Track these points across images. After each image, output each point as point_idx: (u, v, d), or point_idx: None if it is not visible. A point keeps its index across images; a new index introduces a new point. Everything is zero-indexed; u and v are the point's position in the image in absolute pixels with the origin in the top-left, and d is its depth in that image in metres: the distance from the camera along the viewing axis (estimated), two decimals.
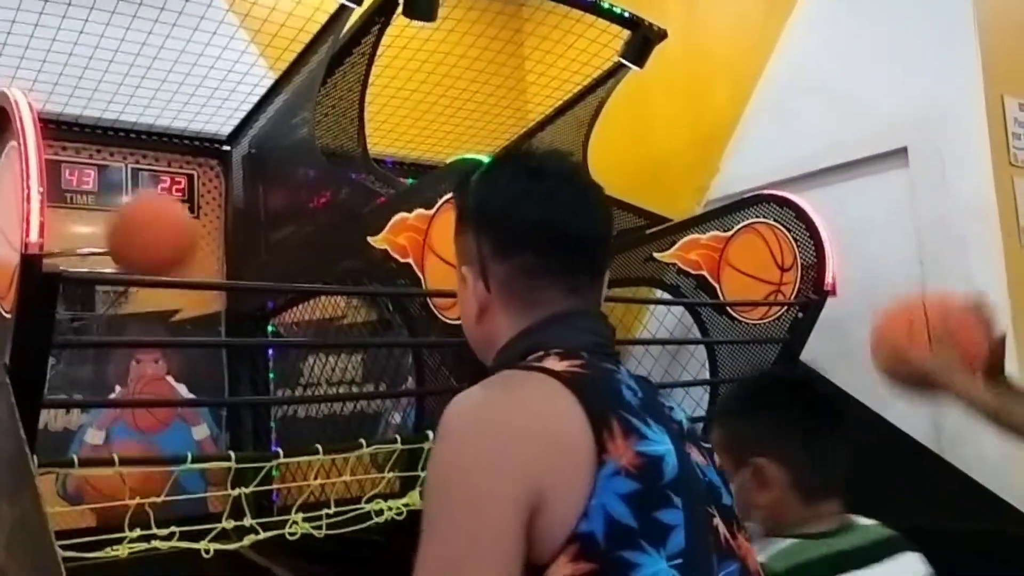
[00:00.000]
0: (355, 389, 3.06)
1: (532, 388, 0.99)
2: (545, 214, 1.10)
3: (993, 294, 2.59)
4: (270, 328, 3.06)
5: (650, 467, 0.95)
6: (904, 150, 2.85)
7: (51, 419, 2.67)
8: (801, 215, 2.65)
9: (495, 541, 0.90)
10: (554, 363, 1.02)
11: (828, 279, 2.58)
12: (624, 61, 2.92)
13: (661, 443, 0.99)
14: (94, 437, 2.78)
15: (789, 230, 2.66)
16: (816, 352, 2.68)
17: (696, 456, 1.07)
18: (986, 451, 2.41)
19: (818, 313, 2.61)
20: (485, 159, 2.05)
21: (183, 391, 2.97)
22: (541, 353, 1.06)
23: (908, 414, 2.44)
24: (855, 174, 2.98)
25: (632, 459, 0.94)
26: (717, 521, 1.02)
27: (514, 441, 0.94)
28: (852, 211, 2.88)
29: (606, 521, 0.91)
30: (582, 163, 1.14)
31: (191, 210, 3.10)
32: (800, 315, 2.61)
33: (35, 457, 1.40)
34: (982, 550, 2.12)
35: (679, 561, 0.93)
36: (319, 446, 1.83)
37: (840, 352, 2.45)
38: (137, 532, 1.59)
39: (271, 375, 3.09)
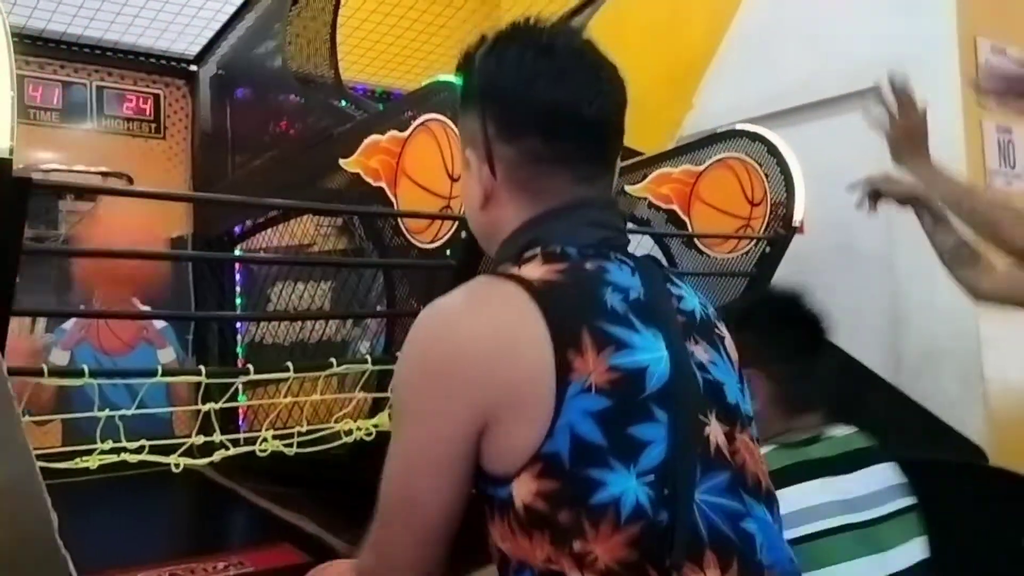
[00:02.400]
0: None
1: (499, 302, 0.98)
2: (556, 95, 1.03)
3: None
4: (237, 253, 3.03)
5: (627, 381, 0.93)
6: (876, 89, 2.85)
7: (15, 337, 2.64)
8: (773, 151, 2.66)
9: (441, 450, 0.95)
10: (533, 268, 1.00)
11: (797, 215, 2.60)
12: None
13: (649, 350, 0.96)
14: (59, 357, 2.76)
15: (760, 165, 2.67)
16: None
17: (700, 353, 1.04)
18: (945, 385, 2.47)
19: (785, 249, 2.64)
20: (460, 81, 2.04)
21: None
22: (535, 251, 1.03)
23: (869, 345, 2.49)
24: (827, 113, 2.99)
25: (604, 374, 0.92)
26: (710, 429, 0.99)
27: (465, 360, 0.94)
28: (823, 150, 2.89)
29: (572, 440, 0.90)
30: (595, 41, 1.08)
31: (157, 131, 3.05)
32: (768, 250, 2.64)
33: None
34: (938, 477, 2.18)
35: (651, 477, 0.91)
36: (290, 364, 1.83)
37: (805, 288, 2.48)
38: (109, 444, 1.59)
39: (238, 301, 3.07)
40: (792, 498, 1.37)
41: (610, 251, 1.05)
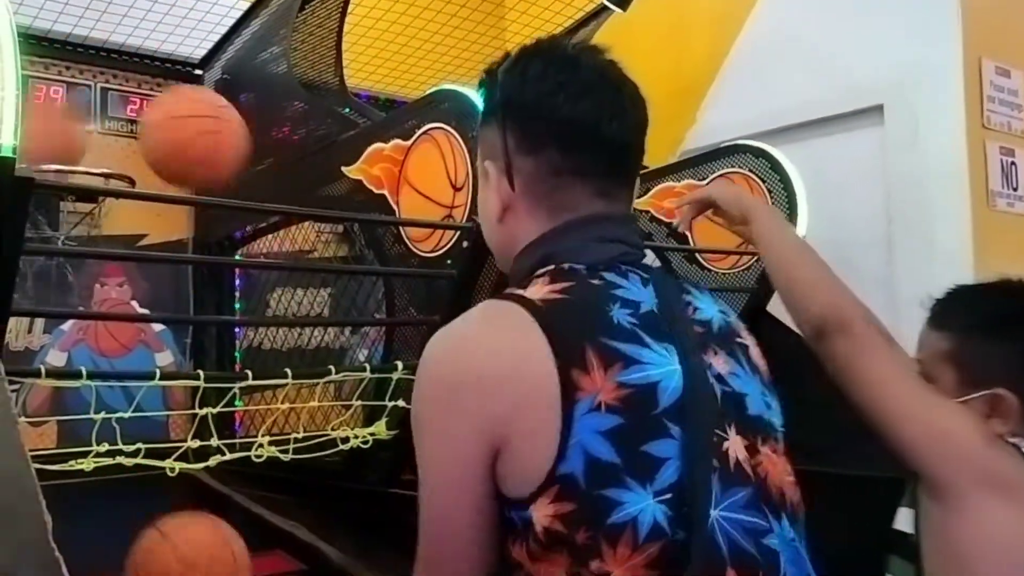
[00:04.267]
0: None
1: (505, 323, 0.96)
2: (577, 113, 1.03)
3: (960, 255, 2.64)
4: (237, 259, 3.03)
5: (638, 397, 0.91)
6: (880, 108, 2.87)
7: (12, 338, 2.63)
8: (776, 166, 2.65)
9: (459, 471, 0.95)
10: (539, 288, 0.99)
11: (799, 232, 2.59)
12: (607, 3, 2.90)
13: (660, 364, 0.94)
14: (56, 359, 2.75)
15: (763, 180, 2.67)
16: (782, 304, 2.71)
17: (720, 364, 1.01)
18: None
19: None
20: (464, 90, 2.04)
21: None
22: (548, 268, 1.02)
23: None
24: (830, 130, 3.00)
25: (613, 392, 0.90)
26: (728, 444, 0.96)
27: (472, 388, 0.94)
28: (825, 167, 2.89)
29: (585, 460, 0.89)
30: (619, 60, 1.08)
31: None
32: None
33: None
34: None
35: (668, 496, 0.89)
36: (288, 370, 1.82)
37: None
38: (105, 447, 1.58)
39: (237, 306, 3.07)
40: None
41: (623, 266, 1.03)
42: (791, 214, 2.60)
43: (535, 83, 1.05)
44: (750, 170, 2.70)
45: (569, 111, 1.03)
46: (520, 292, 1.00)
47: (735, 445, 0.97)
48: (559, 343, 0.92)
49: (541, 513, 0.90)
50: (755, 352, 1.10)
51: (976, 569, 1.15)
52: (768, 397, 1.07)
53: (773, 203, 2.64)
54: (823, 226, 2.74)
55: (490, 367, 0.94)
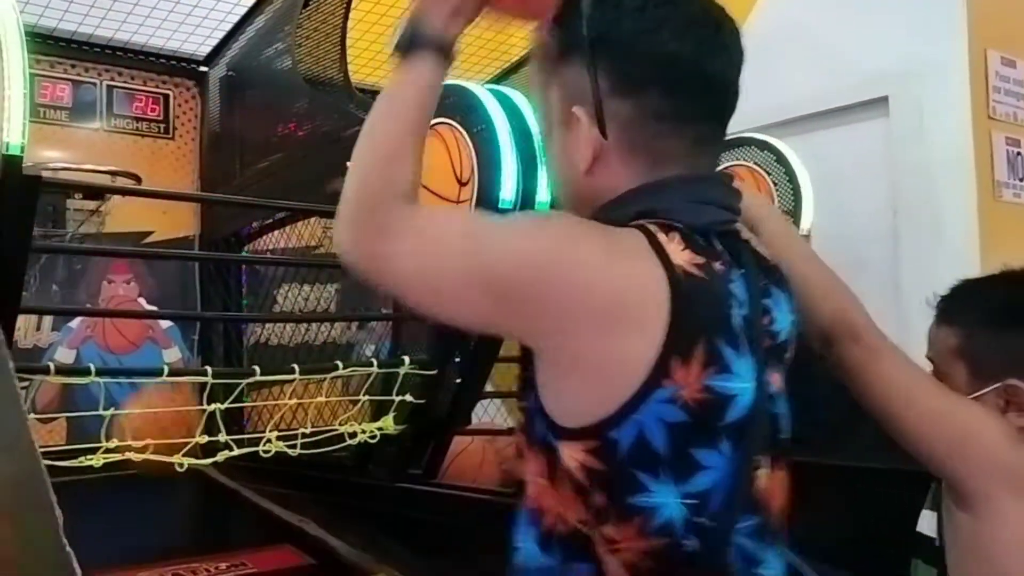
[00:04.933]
0: None
1: (642, 274, 0.88)
2: (681, 47, 0.94)
3: (966, 247, 2.63)
4: (244, 255, 3.04)
5: (713, 405, 0.87)
6: (885, 100, 2.85)
7: (21, 336, 2.65)
8: (781, 159, 2.65)
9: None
10: (674, 247, 0.89)
11: (804, 224, 2.60)
12: None
13: (742, 380, 0.90)
14: (64, 356, 2.76)
15: (769, 173, 2.67)
16: None
17: (775, 383, 0.98)
18: None
19: None
20: (468, 85, 2.04)
21: None
22: (660, 221, 0.92)
23: None
24: (835, 123, 2.99)
25: (696, 392, 0.86)
26: (760, 471, 0.93)
27: (586, 269, 0.87)
28: (831, 159, 2.89)
29: (637, 438, 0.86)
30: None
31: (166, 131, 3.05)
32: None
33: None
34: None
35: (694, 502, 0.87)
36: (295, 366, 1.83)
37: None
38: (114, 442, 1.59)
39: (244, 302, 3.07)
40: None
41: (727, 242, 0.96)
42: (796, 207, 2.60)
43: (633, 18, 0.95)
44: (755, 163, 2.70)
45: (672, 48, 0.94)
46: (660, 240, 0.90)
47: (764, 473, 0.94)
48: (676, 329, 0.86)
49: (572, 454, 0.88)
50: (789, 361, 1.05)
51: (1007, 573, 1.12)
52: (790, 412, 1.03)
53: (778, 196, 2.64)
54: (828, 219, 2.74)
55: (611, 288, 0.87)
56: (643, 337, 0.86)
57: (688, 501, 0.87)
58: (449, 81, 2.03)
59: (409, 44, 1.03)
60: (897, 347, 1.28)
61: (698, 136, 0.97)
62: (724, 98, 1.00)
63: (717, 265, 0.92)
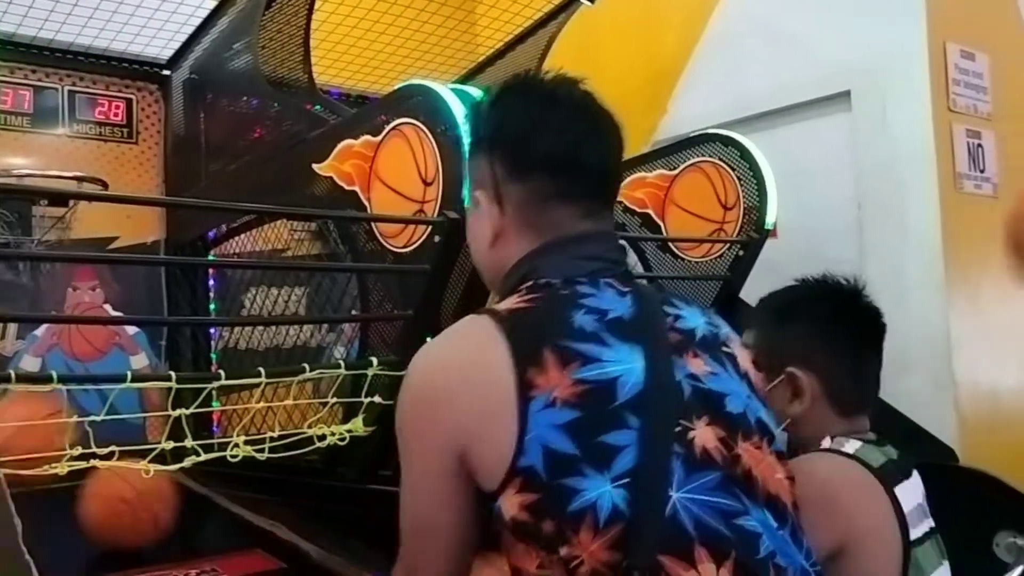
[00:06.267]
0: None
1: (471, 333, 1.06)
2: (558, 145, 1.13)
3: (928, 238, 2.67)
4: (211, 259, 3.01)
5: (595, 392, 0.97)
6: (847, 94, 2.89)
7: None
8: (745, 155, 2.67)
9: (434, 477, 1.04)
10: (511, 301, 1.08)
11: (770, 219, 2.62)
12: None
13: (621, 362, 1.00)
14: (30, 364, 2.73)
15: (733, 169, 2.68)
16: (754, 291, 2.73)
17: (698, 366, 1.07)
18: (916, 388, 2.50)
19: (758, 252, 2.65)
20: (433, 85, 2.04)
21: None
22: (527, 284, 1.11)
23: None
24: (799, 117, 3.02)
25: (569, 388, 0.97)
26: (695, 433, 1.00)
27: (440, 401, 1.03)
28: (795, 153, 2.92)
29: (544, 453, 0.94)
30: (593, 91, 1.21)
31: (130, 136, 3.02)
32: (741, 253, 2.65)
33: None
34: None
35: (626, 480, 0.93)
36: (261, 369, 1.82)
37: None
38: (78, 450, 1.57)
39: (212, 307, 3.05)
40: (905, 496, 1.33)
41: (600, 280, 1.11)
42: (761, 202, 2.62)
43: (518, 120, 1.16)
44: (720, 159, 2.72)
45: (550, 145, 1.13)
46: (495, 306, 1.09)
47: (703, 435, 1.01)
48: (518, 347, 1.00)
49: (508, 504, 0.96)
50: (744, 362, 1.16)
51: None
52: (754, 400, 1.11)
53: (743, 192, 2.66)
54: (793, 213, 2.76)
55: (455, 381, 1.03)
56: (497, 370, 1.00)
57: (620, 482, 0.93)
58: (414, 80, 2.04)
59: None
60: None
61: (583, 210, 1.15)
62: (603, 182, 1.19)
63: (563, 291, 1.08)
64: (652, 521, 0.93)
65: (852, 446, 1.36)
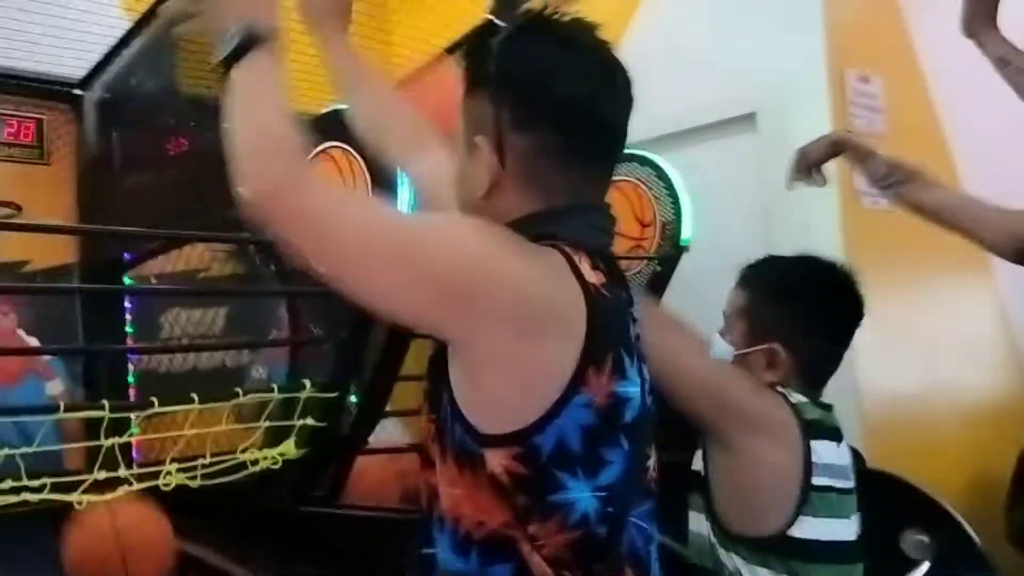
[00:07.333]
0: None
1: (563, 273, 0.97)
2: (576, 90, 1.01)
3: (832, 250, 2.79)
4: (127, 281, 2.96)
5: (615, 408, 0.97)
6: (753, 115, 3.01)
7: None
8: (661, 174, 2.76)
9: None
10: (586, 267, 0.99)
11: (686, 235, 2.71)
12: (494, 20, 2.95)
13: (634, 384, 1.00)
14: None
15: (649, 187, 2.77)
16: (671, 305, 2.82)
17: (645, 374, 1.06)
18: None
19: (674, 268, 2.74)
20: None
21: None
22: (570, 243, 1.00)
23: None
24: (710, 136, 3.13)
25: (606, 397, 0.96)
26: (650, 462, 1.07)
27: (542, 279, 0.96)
28: (707, 173, 3.02)
29: (557, 442, 0.93)
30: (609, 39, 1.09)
31: (41, 156, 2.96)
32: (659, 269, 2.74)
33: None
34: None
35: (604, 494, 0.96)
36: (194, 395, 1.81)
37: (692, 307, 2.57)
38: (8, 484, 1.54)
39: (129, 329, 3.00)
40: (822, 451, 1.41)
41: (611, 264, 1.06)
42: (676, 220, 2.71)
43: (533, 61, 1.03)
44: (636, 178, 2.80)
45: (568, 91, 1.01)
46: (575, 260, 0.99)
47: (652, 464, 1.08)
48: (594, 339, 0.95)
49: (495, 461, 0.94)
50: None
51: (756, 501, 1.38)
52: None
53: (659, 210, 2.75)
54: (706, 230, 2.86)
55: (543, 269, 0.97)
56: (568, 347, 0.94)
57: (598, 494, 0.96)
58: (340, 105, 2.06)
59: (249, 44, 1.03)
60: (671, 318, 1.49)
61: (587, 171, 1.05)
62: (613, 139, 1.08)
63: (615, 285, 1.03)
64: (619, 540, 0.99)
65: (796, 398, 1.44)
